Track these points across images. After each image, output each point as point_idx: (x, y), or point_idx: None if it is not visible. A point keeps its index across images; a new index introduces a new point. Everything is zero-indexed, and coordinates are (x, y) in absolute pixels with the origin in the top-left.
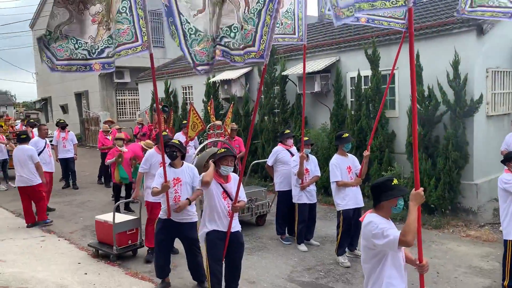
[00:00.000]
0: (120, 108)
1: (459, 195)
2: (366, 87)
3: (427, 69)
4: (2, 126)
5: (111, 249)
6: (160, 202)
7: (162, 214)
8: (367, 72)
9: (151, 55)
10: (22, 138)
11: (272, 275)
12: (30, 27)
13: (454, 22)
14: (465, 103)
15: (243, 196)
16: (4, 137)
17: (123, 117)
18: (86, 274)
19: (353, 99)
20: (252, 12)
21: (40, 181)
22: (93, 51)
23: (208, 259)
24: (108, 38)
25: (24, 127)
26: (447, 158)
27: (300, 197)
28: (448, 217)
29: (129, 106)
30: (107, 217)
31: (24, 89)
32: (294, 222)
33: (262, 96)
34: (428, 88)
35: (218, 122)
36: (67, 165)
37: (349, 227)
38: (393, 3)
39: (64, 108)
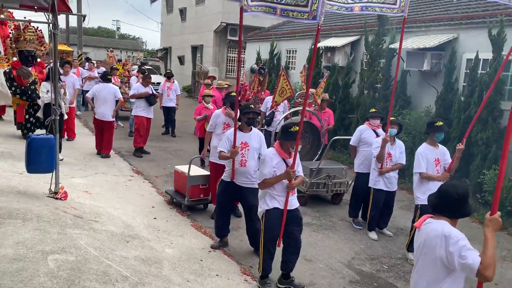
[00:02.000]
0: (229, 65)
1: None
2: (484, 72)
3: None
4: (118, 70)
5: (183, 199)
6: (224, 164)
7: (225, 176)
8: (487, 55)
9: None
10: (108, 78)
11: (332, 257)
12: None
13: None
14: None
15: (300, 171)
16: (118, 80)
17: (231, 74)
18: (155, 218)
19: (465, 84)
20: None
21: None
22: None
23: (264, 236)
24: None
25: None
26: None
27: (377, 182)
28: None
29: (240, 64)
30: (185, 168)
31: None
32: (368, 207)
33: (365, 69)
34: None
35: (313, 90)
36: (168, 113)
37: None
38: None
39: (181, 60)
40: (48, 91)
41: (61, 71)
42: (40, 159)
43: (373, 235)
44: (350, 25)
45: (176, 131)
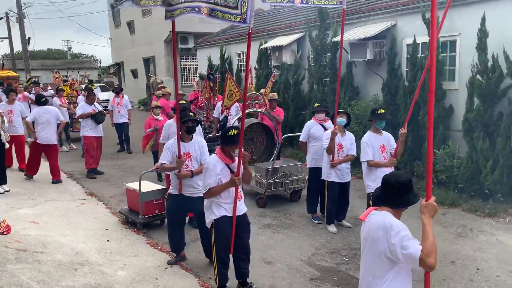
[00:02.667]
0: (184, 74)
1: None
2: (423, 55)
3: (493, 35)
4: (64, 91)
5: (138, 217)
6: None
7: (172, 189)
8: (424, 38)
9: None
10: (42, 101)
11: (292, 257)
12: None
13: None
14: None
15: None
16: (66, 100)
17: (187, 83)
18: (108, 241)
19: (408, 69)
20: None
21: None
22: None
23: (215, 246)
24: None
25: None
26: (508, 139)
27: (329, 175)
28: (506, 204)
29: (193, 71)
30: (136, 185)
31: (108, 53)
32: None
33: (312, 64)
34: (492, 57)
35: (262, 91)
36: (121, 129)
37: None
38: None
39: (134, 73)
40: None
41: (5, 99)
42: None
43: (332, 228)
44: (294, 23)
45: (132, 146)
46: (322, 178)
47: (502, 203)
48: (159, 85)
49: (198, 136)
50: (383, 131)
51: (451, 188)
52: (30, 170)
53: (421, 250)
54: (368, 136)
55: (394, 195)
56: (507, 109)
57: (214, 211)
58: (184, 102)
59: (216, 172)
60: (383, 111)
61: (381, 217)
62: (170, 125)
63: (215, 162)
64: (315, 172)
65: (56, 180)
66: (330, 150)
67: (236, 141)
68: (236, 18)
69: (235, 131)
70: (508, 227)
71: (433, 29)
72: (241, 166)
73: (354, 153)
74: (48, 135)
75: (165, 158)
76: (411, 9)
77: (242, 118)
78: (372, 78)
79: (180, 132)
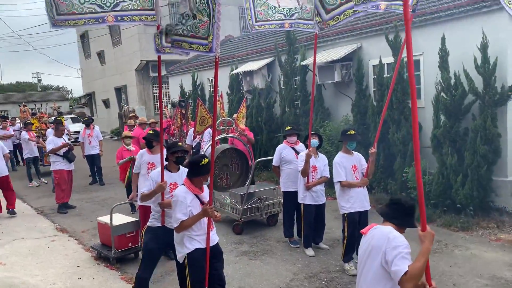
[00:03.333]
0: (156, 102)
1: (491, 193)
2: (389, 75)
3: (454, 53)
4: (33, 124)
5: (110, 252)
6: None
7: (153, 221)
8: (389, 59)
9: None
10: None
11: (270, 284)
12: None
13: (483, 0)
14: (495, 90)
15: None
16: (35, 134)
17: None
18: (80, 278)
19: (375, 89)
20: (203, 1)
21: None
22: (107, 3)
23: (190, 281)
24: None
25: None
26: (475, 153)
27: (304, 198)
28: (477, 218)
29: (165, 99)
30: (108, 218)
31: (79, 84)
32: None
33: (283, 88)
34: (454, 75)
35: (234, 116)
36: (93, 161)
37: (355, 231)
38: None
39: (106, 103)
40: None
41: None
42: None
43: (309, 251)
44: (264, 48)
45: (105, 178)
46: (298, 201)
47: (474, 217)
48: (130, 114)
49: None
50: (354, 152)
51: (425, 204)
52: None
53: (405, 273)
54: (340, 157)
55: (402, 213)
56: (472, 124)
57: (186, 245)
58: (152, 131)
59: (187, 204)
60: (353, 132)
61: (387, 229)
62: (142, 154)
63: (183, 194)
64: (290, 195)
65: (12, 209)
66: (305, 172)
67: (209, 170)
68: (205, 48)
69: (207, 160)
70: (482, 240)
71: (408, 51)
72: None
73: (328, 175)
74: None
75: (147, 186)
76: (375, 31)
77: (212, 145)
78: (341, 99)
79: (167, 162)
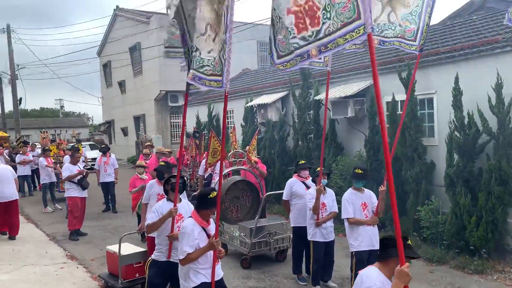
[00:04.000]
0: (174, 131)
1: (507, 235)
2: (401, 112)
3: (467, 93)
4: (51, 151)
5: (117, 281)
6: None
7: (158, 255)
8: (402, 96)
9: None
10: None
11: None
12: (97, 54)
13: (496, 41)
14: (510, 131)
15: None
16: (52, 160)
17: (176, 139)
18: None
19: (388, 125)
20: (220, 42)
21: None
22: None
23: None
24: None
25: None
26: (490, 194)
27: (314, 234)
28: (492, 261)
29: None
30: (116, 248)
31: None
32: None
33: (297, 121)
34: (468, 114)
35: (247, 148)
36: (107, 188)
37: None
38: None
39: (124, 131)
40: None
41: None
42: None
43: None
44: (279, 82)
45: (119, 205)
46: (307, 238)
47: (489, 260)
48: (146, 144)
49: (185, 199)
50: (365, 189)
51: (438, 244)
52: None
53: None
54: (349, 193)
55: (382, 248)
56: (486, 165)
57: (192, 278)
58: (164, 163)
59: (194, 237)
60: (360, 171)
61: (367, 270)
62: (151, 185)
63: (191, 227)
64: (300, 231)
65: (13, 236)
66: (316, 209)
67: (214, 203)
68: (218, 84)
69: (215, 193)
70: (497, 285)
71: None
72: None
73: (336, 210)
74: (6, 192)
75: (151, 218)
76: (389, 68)
77: (219, 179)
78: (354, 134)
79: (167, 195)
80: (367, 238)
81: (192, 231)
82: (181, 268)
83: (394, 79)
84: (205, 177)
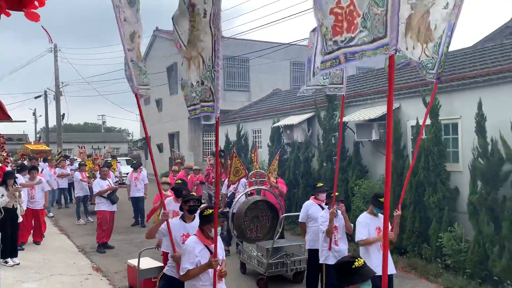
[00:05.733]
0: (206, 148)
1: None
2: (426, 137)
3: (491, 119)
4: (86, 165)
5: None
6: None
7: (168, 270)
8: (427, 121)
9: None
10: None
11: None
12: None
13: None
14: None
15: (221, 254)
16: (86, 175)
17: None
18: None
19: (413, 150)
20: (208, 70)
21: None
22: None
23: None
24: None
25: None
26: None
27: (327, 258)
28: None
29: (210, 147)
30: (136, 261)
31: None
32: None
33: (321, 143)
34: (491, 141)
35: (270, 169)
36: (137, 203)
37: None
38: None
39: (159, 147)
40: (2, 195)
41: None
42: None
43: None
44: (305, 103)
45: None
46: (320, 262)
47: None
48: (176, 161)
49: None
50: (379, 214)
51: (460, 273)
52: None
53: None
54: (364, 216)
55: (336, 277)
56: (510, 193)
57: None
58: (180, 181)
59: (195, 254)
60: (382, 200)
61: None
62: (169, 203)
63: (193, 244)
64: (315, 253)
65: (38, 241)
66: (330, 232)
67: (211, 220)
68: (211, 109)
69: (210, 211)
70: None
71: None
72: (222, 246)
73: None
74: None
75: (161, 234)
76: (413, 92)
77: (216, 196)
78: (379, 158)
79: (182, 213)
80: (380, 263)
81: (193, 248)
82: (186, 284)
83: (419, 103)
84: (228, 195)
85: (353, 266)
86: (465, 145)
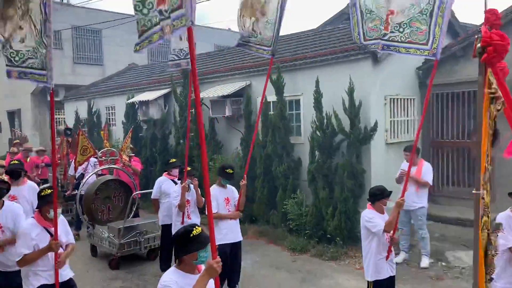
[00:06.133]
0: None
1: (358, 224)
2: (273, 112)
3: (326, 96)
4: None
5: None
6: None
7: None
8: (273, 97)
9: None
10: None
11: None
12: None
13: (353, 48)
14: (360, 130)
15: (71, 238)
16: None
17: (58, 137)
18: None
19: (261, 125)
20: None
21: None
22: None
23: None
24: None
25: None
26: (343, 187)
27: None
28: (346, 248)
29: (62, 125)
30: None
31: None
32: None
33: (178, 119)
34: (326, 115)
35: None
36: None
37: (226, 263)
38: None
39: None
40: None
41: None
42: None
43: None
44: (161, 79)
45: None
46: (173, 236)
47: (343, 247)
48: (15, 141)
49: (11, 203)
50: (227, 185)
51: (302, 235)
52: None
53: None
54: (213, 189)
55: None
56: (341, 161)
57: (31, 281)
58: (17, 162)
59: (31, 237)
60: (231, 171)
61: (165, 274)
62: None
63: (30, 227)
64: (168, 229)
65: None
66: (182, 206)
67: (50, 201)
68: (44, 78)
69: (48, 191)
70: (347, 269)
71: None
72: (67, 229)
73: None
74: None
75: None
76: (262, 71)
77: (53, 176)
78: (232, 133)
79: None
80: (230, 232)
81: (29, 231)
82: (22, 271)
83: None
84: (77, 176)
85: (191, 235)
86: (305, 119)
